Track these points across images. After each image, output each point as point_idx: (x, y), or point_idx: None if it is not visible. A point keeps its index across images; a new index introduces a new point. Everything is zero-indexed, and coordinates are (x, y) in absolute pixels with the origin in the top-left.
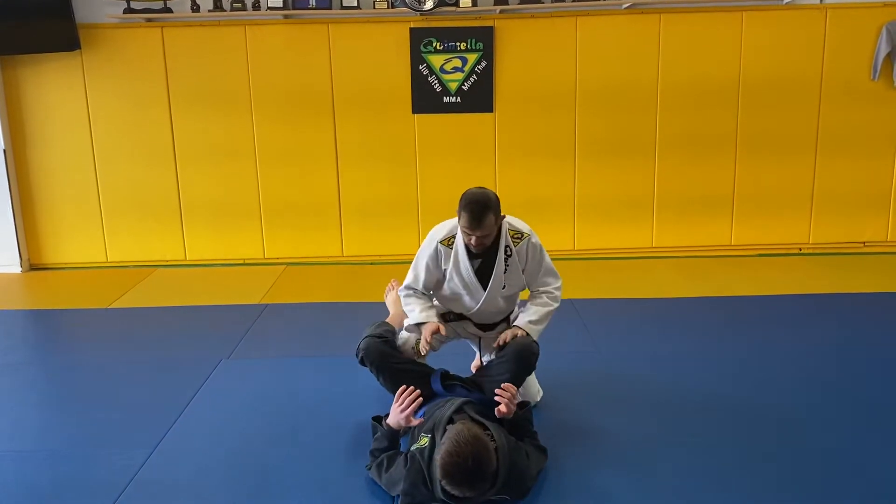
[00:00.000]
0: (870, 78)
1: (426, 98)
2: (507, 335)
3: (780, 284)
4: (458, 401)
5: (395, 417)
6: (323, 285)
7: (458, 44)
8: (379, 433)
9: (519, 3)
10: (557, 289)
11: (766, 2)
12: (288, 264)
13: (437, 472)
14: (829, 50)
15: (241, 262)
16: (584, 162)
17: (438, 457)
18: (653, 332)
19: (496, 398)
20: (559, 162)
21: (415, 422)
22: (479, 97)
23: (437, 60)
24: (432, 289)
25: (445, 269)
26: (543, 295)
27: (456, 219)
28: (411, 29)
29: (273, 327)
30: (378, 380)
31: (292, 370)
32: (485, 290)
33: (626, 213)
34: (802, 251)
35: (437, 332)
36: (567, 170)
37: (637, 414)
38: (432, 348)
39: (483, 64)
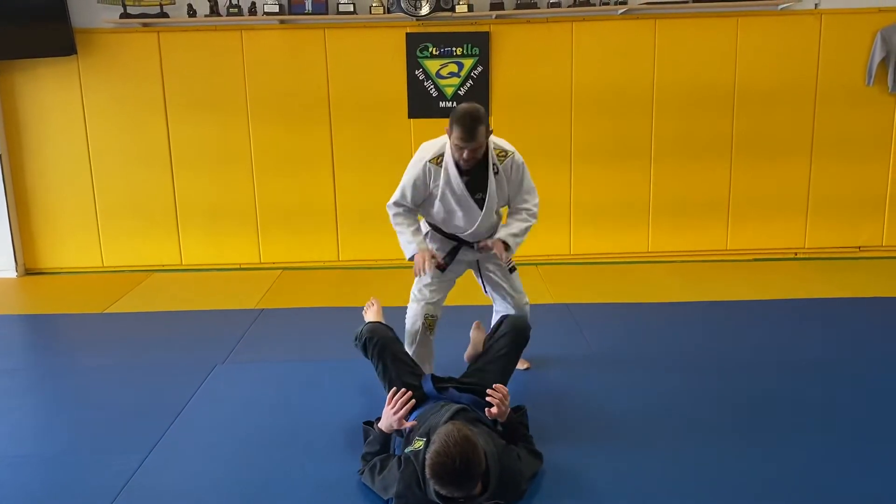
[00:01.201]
0: (864, 83)
1: (422, 103)
2: (488, 243)
3: (776, 289)
4: (453, 408)
5: (388, 420)
6: (319, 290)
7: (454, 49)
8: (371, 437)
9: (515, 9)
10: (536, 205)
11: (761, 7)
12: (284, 269)
13: (426, 471)
14: (823, 55)
15: (237, 266)
16: (580, 166)
17: (427, 456)
18: (648, 336)
19: (487, 398)
20: (555, 167)
21: (407, 424)
22: (475, 102)
23: (433, 65)
24: (420, 205)
25: (436, 187)
26: (523, 212)
27: (444, 137)
28: (407, 34)
29: (268, 332)
30: (377, 367)
31: (287, 375)
32: (480, 208)
33: (622, 218)
34: (798, 256)
35: (433, 257)
36: (563, 174)
37: (632, 418)
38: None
39: (479, 69)
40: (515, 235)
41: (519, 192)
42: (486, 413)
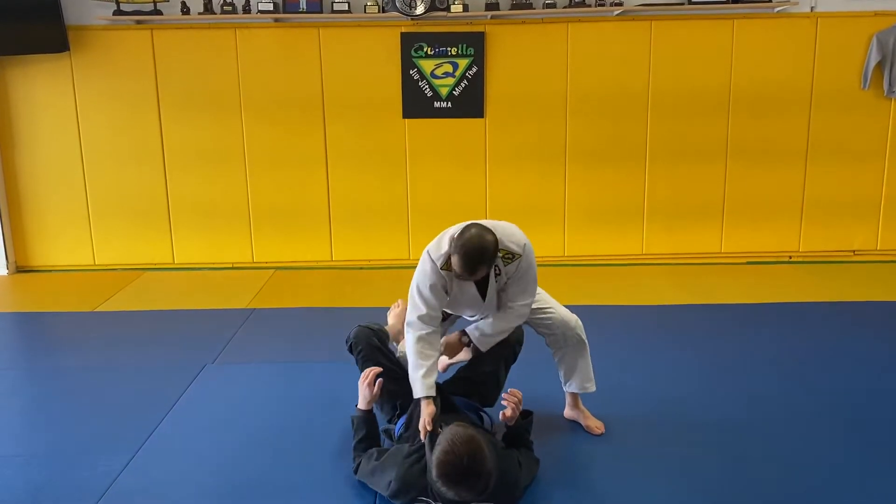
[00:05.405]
0: (860, 86)
1: (417, 103)
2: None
3: (770, 292)
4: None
5: (361, 392)
6: (311, 290)
7: (449, 49)
8: (355, 423)
9: (510, 9)
10: (526, 305)
11: (757, 10)
12: (276, 269)
13: (433, 472)
14: (819, 58)
15: (230, 266)
16: (575, 168)
17: (434, 458)
18: (641, 339)
19: (503, 402)
20: (549, 168)
21: (376, 387)
22: (469, 102)
23: (427, 65)
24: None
25: (450, 288)
26: (510, 311)
27: (446, 237)
28: (402, 34)
29: (259, 332)
30: (361, 371)
31: (277, 376)
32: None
33: (616, 220)
34: (792, 259)
35: (433, 413)
36: (557, 176)
37: (628, 422)
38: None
39: (474, 69)
40: (488, 335)
41: (515, 289)
42: (500, 416)
